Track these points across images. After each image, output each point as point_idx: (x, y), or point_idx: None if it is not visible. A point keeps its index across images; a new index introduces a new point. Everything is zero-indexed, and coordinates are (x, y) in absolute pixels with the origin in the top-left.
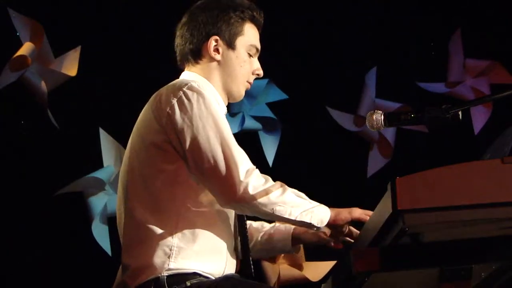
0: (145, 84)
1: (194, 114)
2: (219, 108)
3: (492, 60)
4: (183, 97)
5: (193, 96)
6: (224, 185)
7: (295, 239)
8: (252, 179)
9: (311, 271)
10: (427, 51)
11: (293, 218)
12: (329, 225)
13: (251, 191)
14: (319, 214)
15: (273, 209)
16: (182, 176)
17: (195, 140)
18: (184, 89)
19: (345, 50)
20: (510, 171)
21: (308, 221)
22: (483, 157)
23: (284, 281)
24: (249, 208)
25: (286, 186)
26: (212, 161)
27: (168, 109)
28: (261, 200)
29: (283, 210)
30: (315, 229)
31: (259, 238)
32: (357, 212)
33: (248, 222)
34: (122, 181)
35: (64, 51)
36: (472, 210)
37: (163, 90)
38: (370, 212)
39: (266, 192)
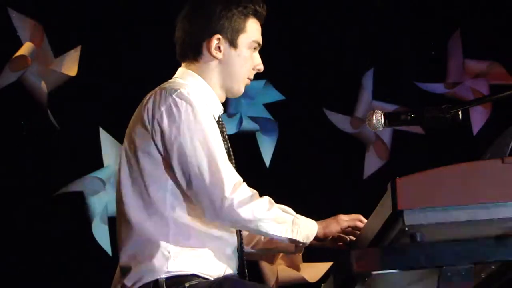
0: (145, 84)
1: (182, 123)
2: (209, 117)
3: (491, 60)
4: (172, 105)
5: (182, 105)
6: (209, 200)
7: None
8: (237, 195)
9: (309, 272)
10: (426, 51)
11: (278, 234)
12: (318, 239)
13: (236, 207)
14: (305, 230)
15: (257, 225)
16: (172, 183)
17: (182, 151)
18: (174, 96)
19: (343, 51)
20: (510, 171)
21: (294, 238)
22: (483, 157)
23: (282, 282)
24: (234, 224)
25: (273, 202)
26: (198, 174)
27: (156, 117)
28: (246, 216)
29: (268, 227)
30: (301, 244)
31: (262, 238)
32: (344, 221)
33: None
34: (116, 182)
35: (64, 51)
36: (472, 210)
37: (153, 94)
38: (354, 216)
39: (251, 208)
